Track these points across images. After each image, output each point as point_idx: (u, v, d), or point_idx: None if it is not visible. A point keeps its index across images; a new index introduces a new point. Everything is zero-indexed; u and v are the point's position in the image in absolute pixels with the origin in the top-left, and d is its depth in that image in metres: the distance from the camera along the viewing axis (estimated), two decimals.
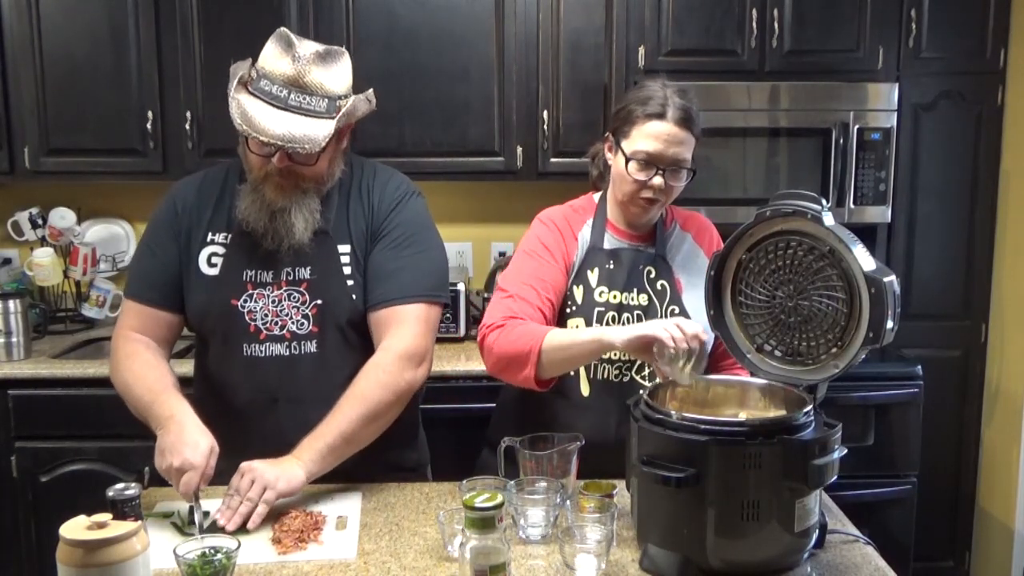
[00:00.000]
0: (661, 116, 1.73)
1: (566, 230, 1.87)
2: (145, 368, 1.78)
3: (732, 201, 3.08)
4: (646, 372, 1.82)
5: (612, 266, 1.84)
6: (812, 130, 3.07)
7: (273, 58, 1.68)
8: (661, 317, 1.81)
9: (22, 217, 3.28)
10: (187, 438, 1.61)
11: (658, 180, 1.75)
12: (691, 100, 1.78)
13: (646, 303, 1.83)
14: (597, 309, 1.82)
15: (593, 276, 1.84)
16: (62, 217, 3.26)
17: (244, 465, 1.62)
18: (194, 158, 3.07)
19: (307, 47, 1.69)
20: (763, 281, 1.53)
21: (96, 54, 3.05)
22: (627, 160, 1.77)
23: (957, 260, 3.23)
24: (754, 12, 3.03)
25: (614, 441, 1.72)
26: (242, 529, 1.57)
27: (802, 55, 3.07)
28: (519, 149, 3.12)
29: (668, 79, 1.83)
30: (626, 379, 1.83)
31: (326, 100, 1.68)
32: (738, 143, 3.09)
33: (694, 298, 1.83)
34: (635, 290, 1.83)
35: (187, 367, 1.95)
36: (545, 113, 3.09)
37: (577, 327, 1.80)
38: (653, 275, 1.85)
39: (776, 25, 3.04)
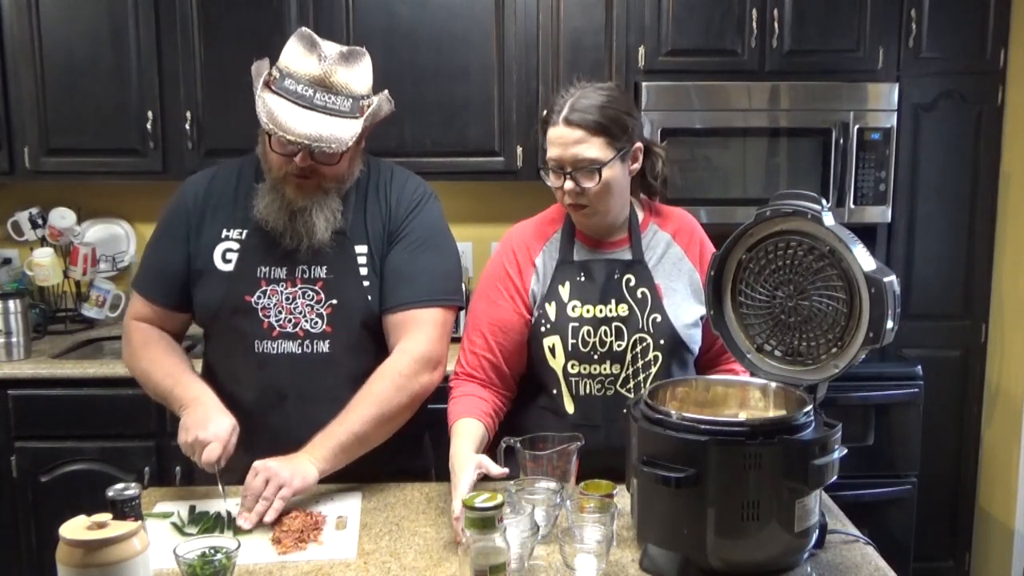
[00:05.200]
0: (554, 122, 1.74)
1: (521, 256, 1.86)
2: (162, 354, 1.82)
3: (732, 201, 3.08)
4: (631, 385, 1.80)
5: (583, 279, 1.81)
6: (812, 130, 3.07)
7: (297, 57, 1.68)
8: (642, 326, 1.79)
9: (22, 217, 3.28)
10: (211, 415, 1.67)
11: (568, 184, 1.74)
12: (608, 97, 1.73)
13: (626, 313, 1.79)
14: (571, 325, 1.79)
15: (565, 291, 1.81)
16: (62, 217, 3.26)
17: (257, 464, 1.62)
18: (194, 158, 3.07)
19: (331, 47, 1.70)
20: (763, 281, 1.53)
21: (96, 54, 3.05)
22: (547, 168, 1.78)
23: (957, 260, 3.23)
24: (754, 12, 3.03)
25: (605, 449, 1.71)
26: (243, 529, 1.57)
27: (802, 55, 3.07)
28: (519, 149, 3.12)
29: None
30: (610, 393, 1.80)
31: (350, 100, 1.69)
32: (738, 143, 3.09)
33: (675, 303, 1.81)
34: (613, 301, 1.79)
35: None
36: (545, 113, 3.08)
37: (552, 347, 1.79)
38: (633, 283, 1.81)
39: (776, 25, 3.04)
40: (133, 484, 1.48)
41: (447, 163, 3.12)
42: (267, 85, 1.69)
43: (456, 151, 3.12)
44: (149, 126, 3.07)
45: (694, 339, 1.84)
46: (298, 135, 1.63)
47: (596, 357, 1.79)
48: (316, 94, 1.66)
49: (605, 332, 1.79)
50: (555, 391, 1.82)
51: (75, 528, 1.21)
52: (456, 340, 1.89)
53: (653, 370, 1.80)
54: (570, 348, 1.79)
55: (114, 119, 3.08)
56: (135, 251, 3.45)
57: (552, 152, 1.75)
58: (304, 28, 1.73)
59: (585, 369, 1.79)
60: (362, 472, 1.77)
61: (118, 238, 3.47)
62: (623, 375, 1.80)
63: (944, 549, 3.35)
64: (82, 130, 3.08)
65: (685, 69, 3.06)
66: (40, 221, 3.27)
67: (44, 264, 3.20)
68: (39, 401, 2.85)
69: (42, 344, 3.14)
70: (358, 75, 1.71)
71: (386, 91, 1.80)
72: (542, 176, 1.80)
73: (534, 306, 1.83)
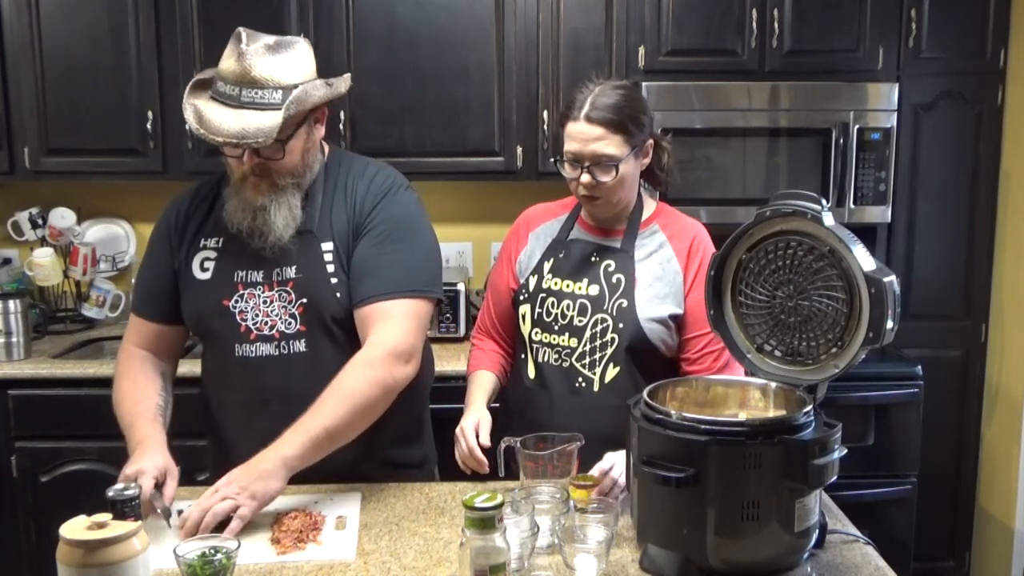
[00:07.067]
0: (576, 117, 1.79)
1: (522, 228, 2.02)
2: (132, 389, 1.81)
3: (732, 201, 3.08)
4: (587, 361, 1.85)
5: (563, 255, 1.92)
6: (812, 130, 3.07)
7: (225, 58, 1.68)
8: (607, 308, 1.85)
9: (22, 217, 3.28)
10: (147, 455, 1.65)
11: (585, 177, 1.81)
12: (625, 96, 1.80)
13: (596, 294, 1.86)
14: (540, 295, 1.91)
15: (548, 265, 1.93)
16: (62, 217, 3.26)
17: (219, 484, 1.58)
18: (194, 158, 3.07)
19: (258, 40, 1.68)
20: (763, 281, 1.53)
21: (96, 54, 3.05)
22: (563, 160, 1.85)
23: (957, 260, 3.23)
24: (754, 12, 3.03)
25: (565, 426, 1.73)
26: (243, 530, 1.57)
27: (802, 55, 3.07)
28: (519, 149, 3.12)
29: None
30: (566, 364, 1.87)
31: (280, 91, 1.65)
32: (738, 143, 3.09)
33: (645, 296, 1.84)
34: (585, 280, 1.88)
35: (195, 366, 1.97)
36: (545, 113, 3.09)
37: (524, 315, 1.93)
38: (612, 268, 1.88)
39: (776, 25, 3.04)
40: (133, 484, 1.49)
41: (447, 163, 3.12)
42: (208, 90, 1.69)
43: (456, 151, 3.12)
44: (149, 126, 3.07)
45: (656, 334, 1.84)
46: (225, 135, 1.63)
47: (556, 328, 1.88)
48: (242, 91, 1.65)
49: (568, 306, 1.87)
50: (523, 355, 1.94)
51: (75, 528, 1.21)
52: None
53: (609, 351, 1.84)
54: (536, 316, 1.90)
55: (114, 119, 3.07)
56: (135, 251, 3.45)
57: (571, 146, 1.81)
58: (240, 28, 1.71)
59: (546, 338, 1.89)
60: (361, 466, 1.77)
61: (118, 238, 3.47)
62: (580, 350, 1.86)
63: (944, 549, 3.35)
64: (82, 130, 3.08)
65: (685, 69, 3.06)
66: (40, 221, 3.27)
67: (44, 264, 3.20)
68: (39, 401, 2.85)
69: (42, 344, 3.14)
70: (287, 65, 1.68)
71: (347, 76, 1.80)
72: (557, 167, 1.87)
73: (520, 276, 1.97)
